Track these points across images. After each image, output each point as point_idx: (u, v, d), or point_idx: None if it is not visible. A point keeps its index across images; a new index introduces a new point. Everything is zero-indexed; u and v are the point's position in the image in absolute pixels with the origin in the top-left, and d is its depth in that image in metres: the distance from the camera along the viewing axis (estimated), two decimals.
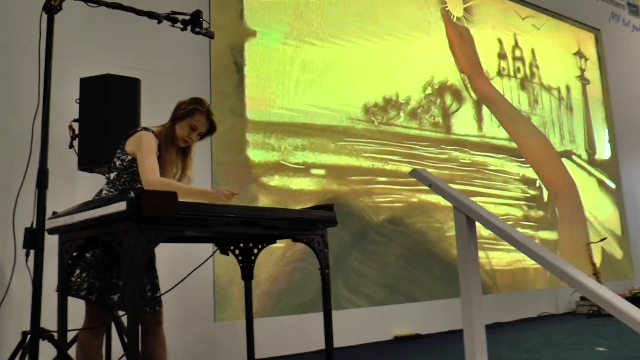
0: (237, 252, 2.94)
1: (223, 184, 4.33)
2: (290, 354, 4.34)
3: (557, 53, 7.86)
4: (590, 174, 7.86)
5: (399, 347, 4.75)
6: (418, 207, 5.60)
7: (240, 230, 2.21)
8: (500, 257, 6.22)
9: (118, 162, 2.58)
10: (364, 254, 5.14)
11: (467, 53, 6.71)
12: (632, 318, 1.34)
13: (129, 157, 2.55)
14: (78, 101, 3.30)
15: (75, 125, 3.31)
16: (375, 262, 5.19)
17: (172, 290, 2.55)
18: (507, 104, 7.03)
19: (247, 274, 2.96)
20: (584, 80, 8.18)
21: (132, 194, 1.80)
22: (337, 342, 2.69)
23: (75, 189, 3.52)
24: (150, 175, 2.42)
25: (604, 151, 8.24)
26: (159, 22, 2.56)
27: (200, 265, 2.65)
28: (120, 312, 3.00)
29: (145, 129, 2.60)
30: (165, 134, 2.60)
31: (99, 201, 1.93)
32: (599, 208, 7.79)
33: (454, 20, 6.49)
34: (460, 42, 6.67)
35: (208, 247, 3.75)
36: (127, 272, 1.77)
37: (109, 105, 3.22)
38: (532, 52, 7.47)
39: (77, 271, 2.40)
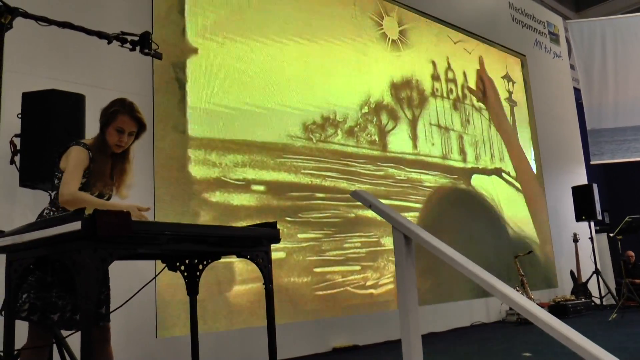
0: (182, 268, 2.98)
1: (165, 199, 4.35)
2: None
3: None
4: (518, 190, 8.28)
5: (337, 359, 4.86)
6: (355, 222, 5.76)
7: (190, 247, 2.27)
8: None
9: (56, 181, 2.55)
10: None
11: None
12: (548, 324, 1.51)
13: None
14: (20, 116, 3.25)
15: (17, 141, 3.26)
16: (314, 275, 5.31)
17: (113, 305, 2.57)
18: None
19: (193, 289, 3.00)
20: (511, 102, 8.62)
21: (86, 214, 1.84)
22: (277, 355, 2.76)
23: (14, 205, 3.46)
24: (64, 188, 2.41)
25: None
26: (109, 42, 2.59)
27: (149, 282, 2.68)
28: (65, 332, 2.97)
29: (77, 142, 2.58)
30: (96, 145, 2.59)
31: (51, 221, 1.96)
32: (526, 222, 8.22)
33: (389, 42, 6.74)
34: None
35: (148, 262, 3.77)
36: (81, 291, 1.81)
37: (53, 121, 3.18)
38: (464, 74, 7.84)
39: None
